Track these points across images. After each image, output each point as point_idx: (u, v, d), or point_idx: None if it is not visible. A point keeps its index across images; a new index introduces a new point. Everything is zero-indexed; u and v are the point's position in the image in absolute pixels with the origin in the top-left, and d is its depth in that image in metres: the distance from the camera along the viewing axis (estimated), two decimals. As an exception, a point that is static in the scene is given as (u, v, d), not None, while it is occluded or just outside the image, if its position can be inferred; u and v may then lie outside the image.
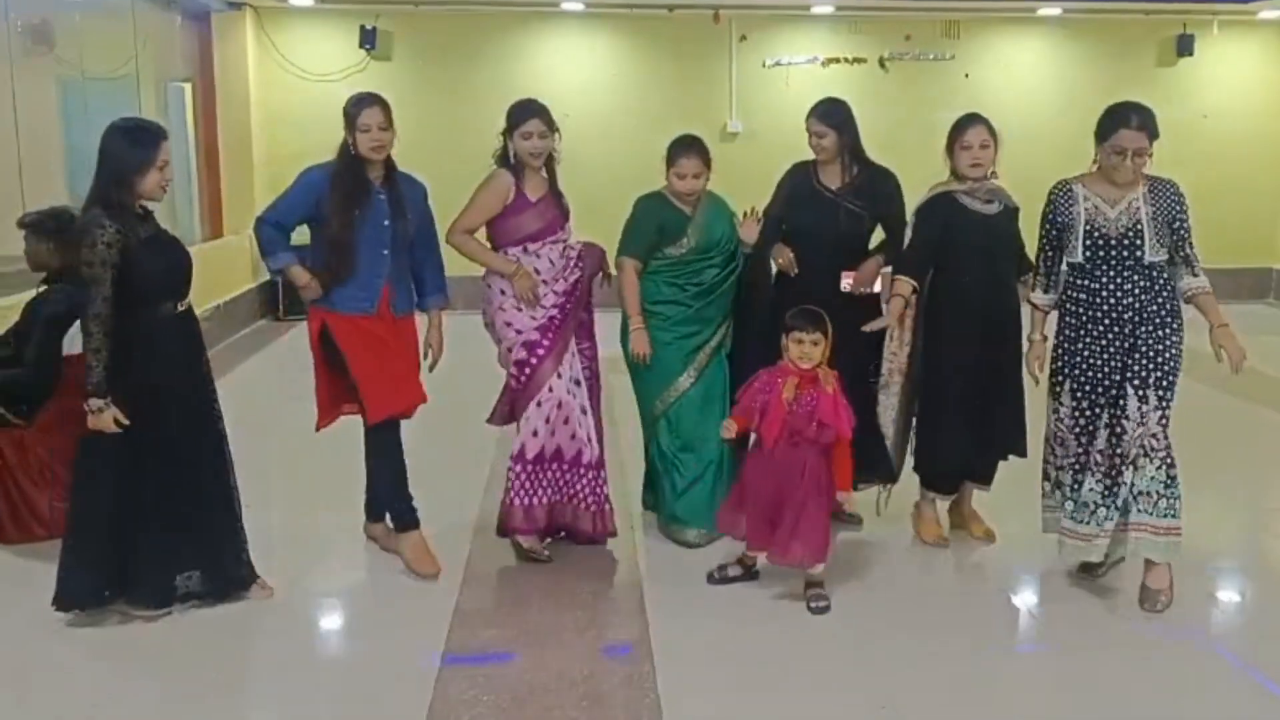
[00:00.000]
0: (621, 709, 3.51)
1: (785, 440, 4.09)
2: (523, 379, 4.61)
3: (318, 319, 4.40)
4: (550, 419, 4.60)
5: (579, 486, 4.69)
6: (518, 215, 4.61)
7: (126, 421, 3.79)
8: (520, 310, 4.61)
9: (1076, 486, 4.23)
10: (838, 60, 11.51)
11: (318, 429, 4.60)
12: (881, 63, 11.56)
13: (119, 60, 8.97)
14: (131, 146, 3.83)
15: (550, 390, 4.59)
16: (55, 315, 4.76)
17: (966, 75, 11.64)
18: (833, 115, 4.82)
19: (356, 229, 4.29)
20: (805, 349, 4.09)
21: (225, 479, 4.16)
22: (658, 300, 4.84)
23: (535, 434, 4.59)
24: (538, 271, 4.62)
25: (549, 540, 4.76)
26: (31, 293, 5.00)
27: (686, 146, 4.74)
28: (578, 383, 4.70)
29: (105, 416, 3.77)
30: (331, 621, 4.28)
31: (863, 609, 4.22)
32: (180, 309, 3.94)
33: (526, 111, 4.59)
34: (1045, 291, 4.40)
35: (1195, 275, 4.18)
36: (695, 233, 4.79)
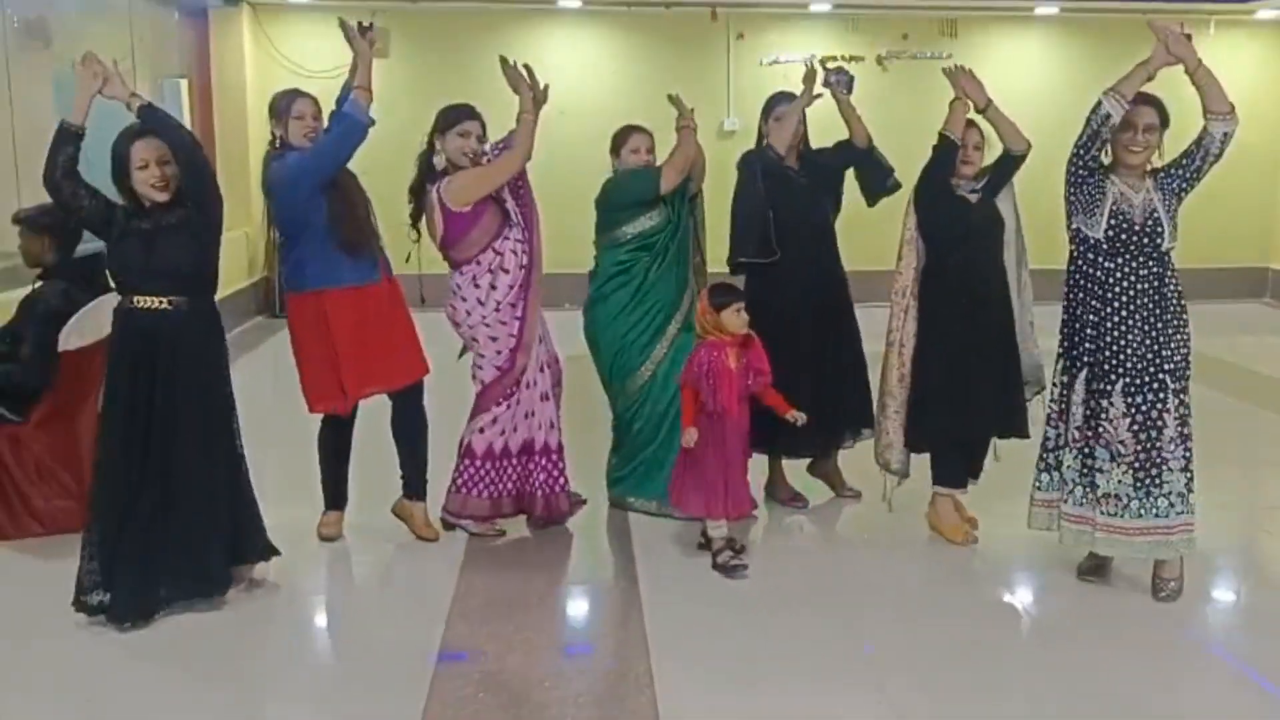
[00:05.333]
0: (618, 706, 3.50)
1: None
2: (503, 377, 4.69)
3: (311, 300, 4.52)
4: (517, 416, 4.72)
5: (535, 473, 4.79)
6: (466, 232, 4.58)
7: None
8: (504, 323, 4.64)
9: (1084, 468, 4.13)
10: (835, 58, 11.09)
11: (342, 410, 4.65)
12: (879, 61, 11.48)
13: (115, 56, 8.20)
14: (115, 150, 3.91)
15: (527, 386, 4.71)
16: (50, 311, 4.75)
17: (964, 74, 11.55)
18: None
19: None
20: (744, 316, 4.40)
21: (206, 481, 4.03)
22: (612, 276, 4.99)
23: (502, 432, 4.71)
24: (505, 270, 4.63)
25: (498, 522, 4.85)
26: (27, 289, 4.98)
27: (634, 128, 5.07)
28: (542, 368, 4.78)
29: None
30: (326, 621, 4.29)
31: (859, 604, 4.24)
32: (144, 304, 3.95)
33: (465, 111, 4.63)
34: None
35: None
36: (665, 201, 4.97)
